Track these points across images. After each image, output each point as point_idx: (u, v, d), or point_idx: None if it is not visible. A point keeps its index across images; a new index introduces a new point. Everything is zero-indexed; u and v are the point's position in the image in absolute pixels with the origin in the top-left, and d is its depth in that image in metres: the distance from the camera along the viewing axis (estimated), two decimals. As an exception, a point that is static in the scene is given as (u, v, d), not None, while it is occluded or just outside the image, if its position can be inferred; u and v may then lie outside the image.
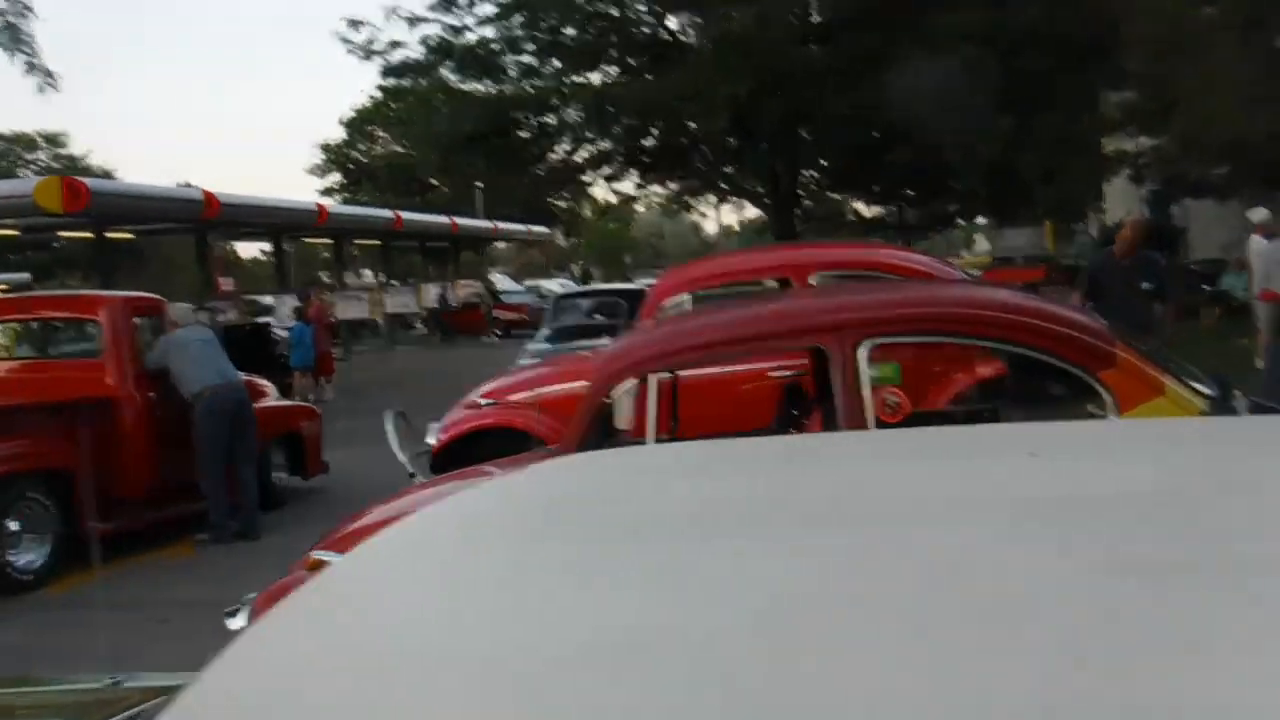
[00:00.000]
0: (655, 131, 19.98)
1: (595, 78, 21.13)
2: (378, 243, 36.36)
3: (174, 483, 8.83)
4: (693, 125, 18.94)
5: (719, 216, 53.26)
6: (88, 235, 25.10)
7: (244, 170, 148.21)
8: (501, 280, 44.15)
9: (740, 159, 21.63)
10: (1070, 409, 3.78)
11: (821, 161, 22.52)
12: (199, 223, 20.61)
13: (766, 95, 16.59)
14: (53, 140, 61.80)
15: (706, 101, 16.78)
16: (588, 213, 71.14)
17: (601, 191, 34.87)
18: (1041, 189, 19.63)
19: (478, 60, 21.70)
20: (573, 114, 19.11)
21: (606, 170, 24.45)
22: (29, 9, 16.91)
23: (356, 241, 37.45)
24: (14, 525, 7.57)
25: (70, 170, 58.81)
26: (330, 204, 25.76)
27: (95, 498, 8.19)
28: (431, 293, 35.49)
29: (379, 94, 47.11)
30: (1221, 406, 3.84)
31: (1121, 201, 28.63)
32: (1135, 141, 20.72)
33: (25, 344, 9.39)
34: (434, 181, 50.22)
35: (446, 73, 22.75)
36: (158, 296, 9.80)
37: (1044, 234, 36.97)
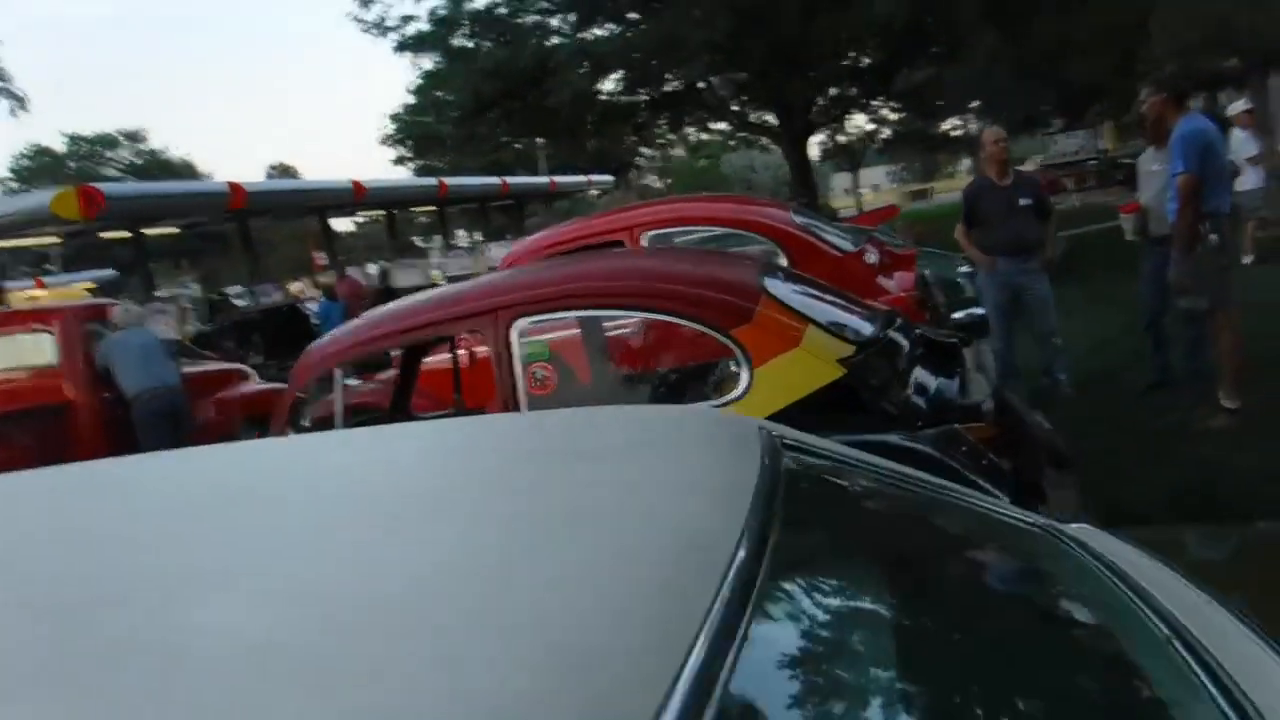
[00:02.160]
0: (646, 80, 19.96)
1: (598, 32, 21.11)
2: (433, 209, 37.42)
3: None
4: (669, 75, 18.89)
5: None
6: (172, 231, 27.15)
7: (331, 148, 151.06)
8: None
9: (749, 95, 21.45)
10: (710, 370, 3.91)
11: (831, 90, 22.18)
12: (228, 213, 21.35)
13: (746, 37, 16.40)
14: (133, 137, 64.20)
15: (682, 49, 16.71)
16: (679, 152, 70.77)
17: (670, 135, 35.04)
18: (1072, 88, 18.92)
19: (485, 22, 21.88)
20: (571, 72, 19.17)
21: (637, 120, 24.53)
22: None
23: (414, 210, 38.40)
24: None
25: (150, 164, 61.18)
26: (368, 179, 26.21)
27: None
28: (492, 252, 36.06)
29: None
30: (873, 348, 3.93)
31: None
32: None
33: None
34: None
35: (459, 40, 23.00)
36: (105, 302, 10.35)
37: (1102, 135, 35.71)
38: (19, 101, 17.23)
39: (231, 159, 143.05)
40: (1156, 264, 7.30)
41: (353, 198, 25.54)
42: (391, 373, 5.79)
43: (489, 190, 34.61)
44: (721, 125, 25.97)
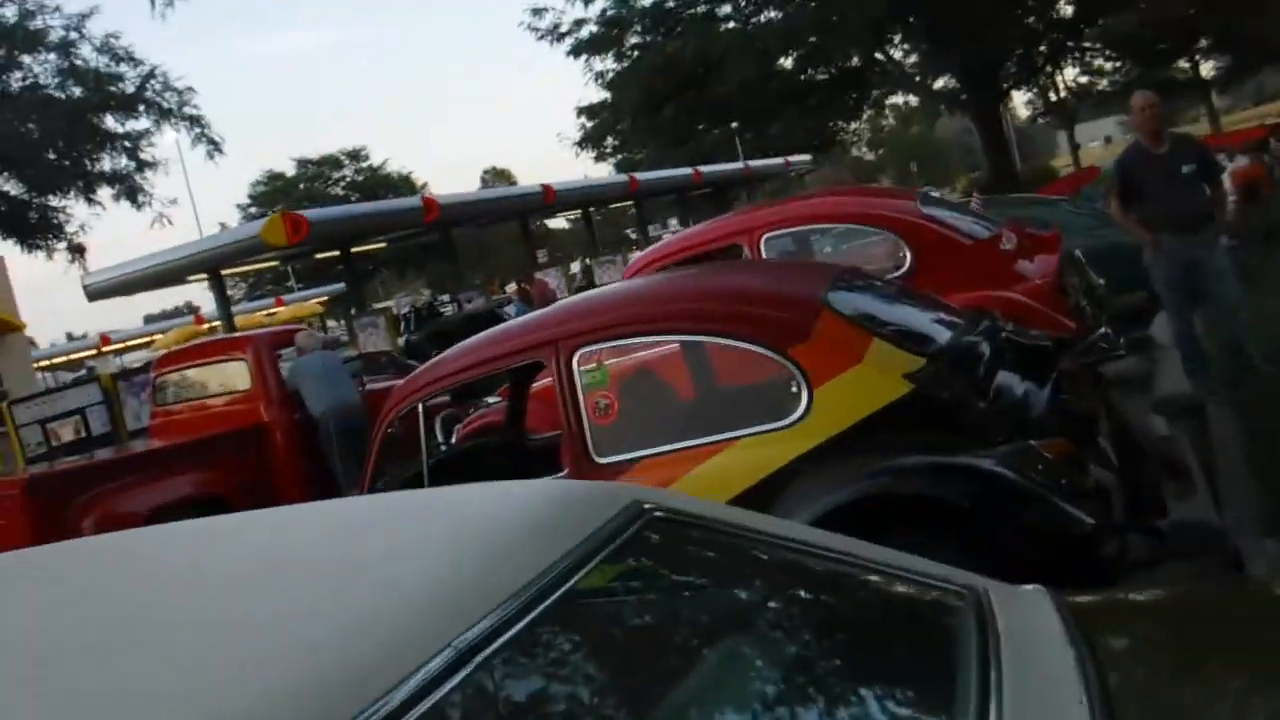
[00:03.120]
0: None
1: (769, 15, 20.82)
2: (629, 204, 38.05)
3: (325, 495, 9.98)
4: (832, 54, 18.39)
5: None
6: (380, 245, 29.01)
7: (544, 149, 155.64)
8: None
9: (930, 64, 20.65)
10: (769, 391, 3.76)
11: (1018, 51, 21.05)
12: (425, 226, 22.31)
13: (906, 5, 15.77)
14: (354, 156, 67.94)
15: (844, 27, 16.23)
16: (890, 121, 68.91)
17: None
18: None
19: (655, 17, 21.98)
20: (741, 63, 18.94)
21: (813, 100, 24.14)
22: (193, 90, 19.11)
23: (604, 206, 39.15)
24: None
25: (371, 180, 64.63)
26: (558, 181, 26.86)
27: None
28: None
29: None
30: (946, 359, 3.69)
31: None
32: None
33: (194, 388, 10.78)
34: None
35: (633, 38, 23.21)
36: (293, 327, 10.99)
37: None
38: (215, 146, 18.60)
39: (448, 169, 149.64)
40: None
41: (543, 201, 26.18)
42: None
43: (682, 181, 34.92)
44: (910, 98, 25.12)
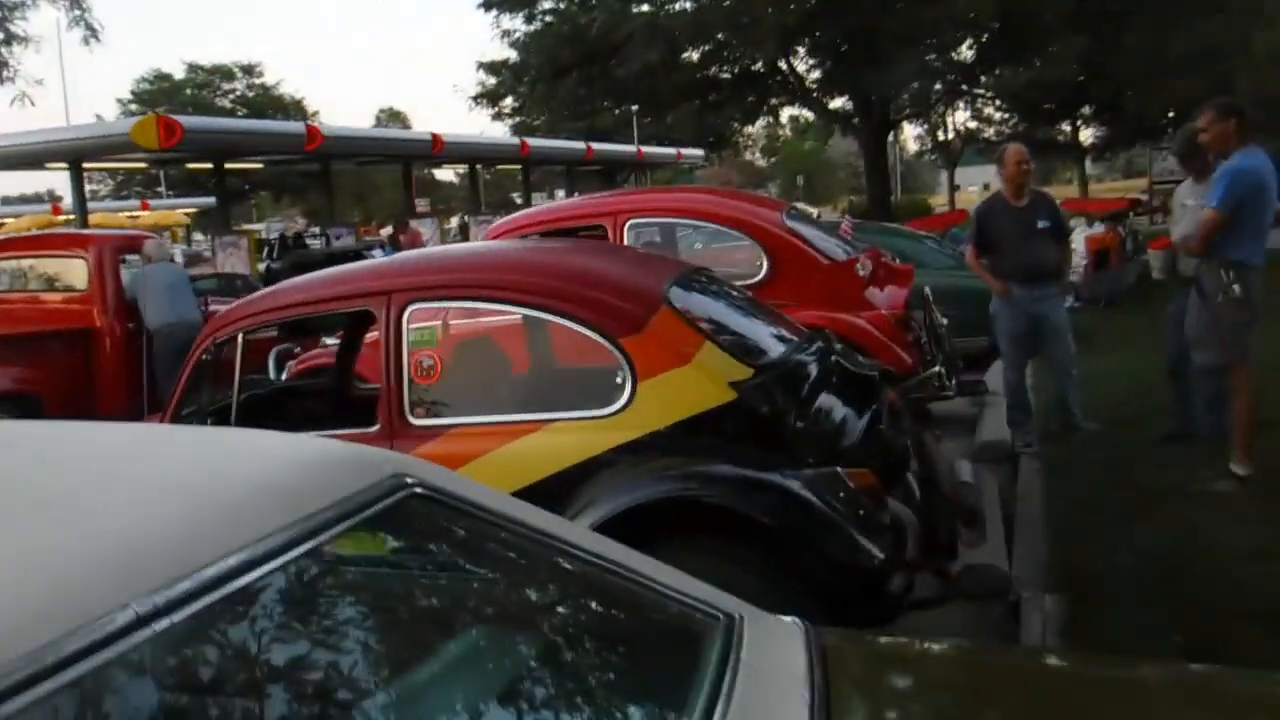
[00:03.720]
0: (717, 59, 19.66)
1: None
2: (518, 167, 37.71)
3: (146, 410, 9.57)
4: (738, 54, 18.55)
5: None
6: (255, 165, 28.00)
7: (445, 99, 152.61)
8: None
9: (829, 81, 20.99)
10: (595, 378, 3.73)
11: (913, 85, 21.58)
12: (305, 154, 21.63)
13: (822, 21, 15.97)
14: (249, 70, 65.37)
15: (754, 29, 16.35)
16: (786, 131, 69.43)
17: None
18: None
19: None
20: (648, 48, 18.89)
21: (713, 97, 24.25)
22: None
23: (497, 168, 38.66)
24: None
25: (262, 99, 62.37)
26: (447, 134, 26.35)
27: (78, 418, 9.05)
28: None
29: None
30: (774, 373, 3.71)
31: None
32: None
33: (27, 280, 10.20)
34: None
35: (545, 1, 22.89)
36: (141, 233, 10.51)
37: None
38: (93, 32, 17.52)
39: (344, 102, 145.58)
40: (1183, 306, 6.81)
41: (431, 150, 25.68)
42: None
43: (573, 154, 34.79)
44: (806, 111, 25.45)
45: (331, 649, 1.40)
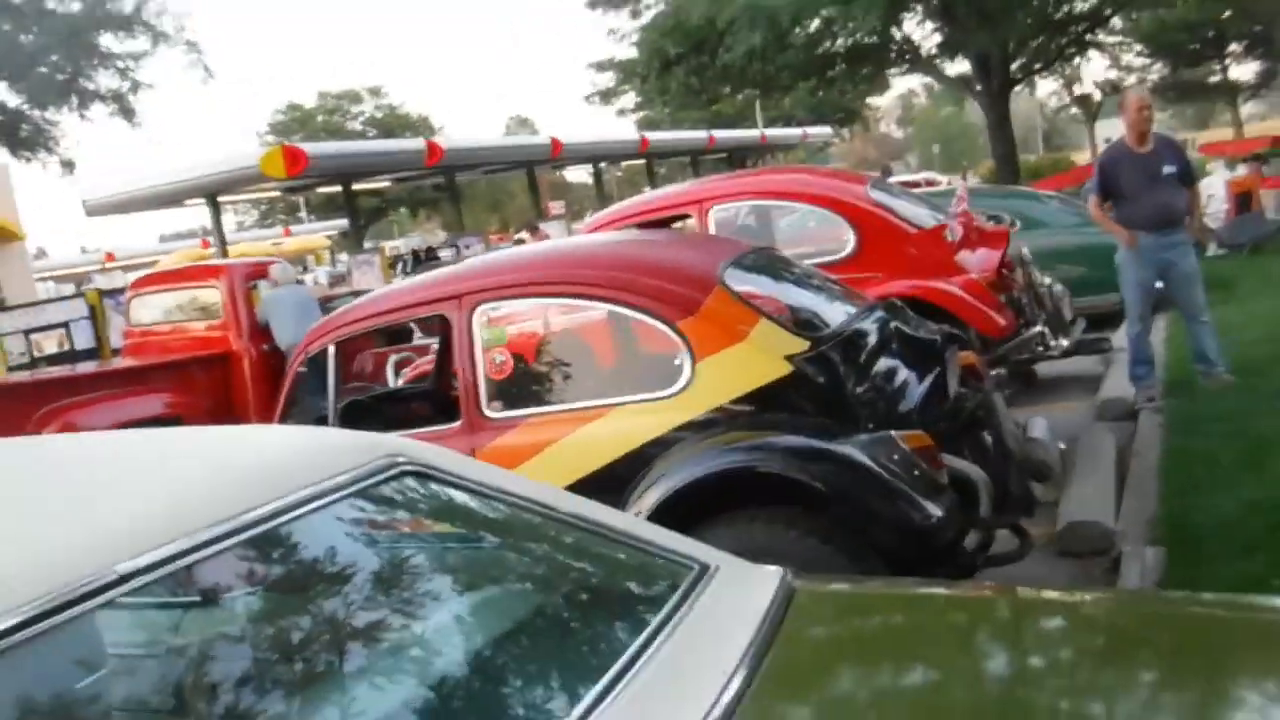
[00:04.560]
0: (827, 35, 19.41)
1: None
2: (640, 162, 38.04)
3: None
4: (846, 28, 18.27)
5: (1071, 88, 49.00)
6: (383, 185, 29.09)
7: (565, 101, 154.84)
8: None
9: (941, 47, 20.53)
10: (656, 361, 3.86)
11: (1033, 42, 20.86)
12: (426, 169, 22.31)
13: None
14: (375, 93, 67.63)
15: (855, 2, 16.11)
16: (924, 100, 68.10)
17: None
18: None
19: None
20: (750, 31, 18.78)
21: (829, 74, 23.99)
22: (189, 15, 19.19)
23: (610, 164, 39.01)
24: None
25: (389, 118, 64.50)
26: (566, 137, 26.77)
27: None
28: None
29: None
30: (828, 345, 3.78)
31: None
32: None
33: (170, 311, 10.91)
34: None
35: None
36: (268, 259, 11.11)
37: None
38: (208, 71, 18.59)
39: (472, 114, 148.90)
40: None
41: (550, 153, 26.12)
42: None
43: (695, 144, 34.91)
44: (926, 78, 24.92)
45: (313, 614, 1.57)
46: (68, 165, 16.38)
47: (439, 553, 1.81)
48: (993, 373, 6.09)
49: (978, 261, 6.30)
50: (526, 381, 4.06)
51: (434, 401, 4.83)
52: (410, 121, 64.90)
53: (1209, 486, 5.31)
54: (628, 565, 1.86)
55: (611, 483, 3.69)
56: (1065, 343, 6.96)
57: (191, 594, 1.41)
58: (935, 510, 3.37)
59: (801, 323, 3.95)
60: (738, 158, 43.33)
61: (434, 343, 7.13)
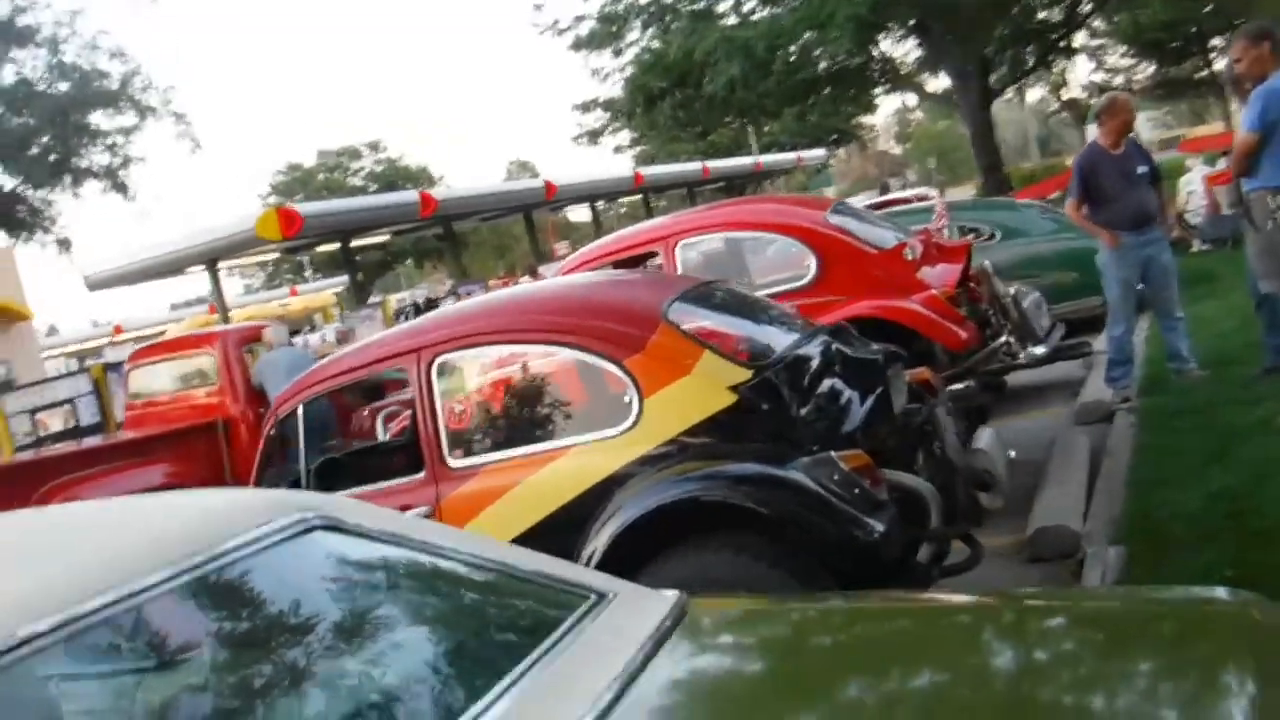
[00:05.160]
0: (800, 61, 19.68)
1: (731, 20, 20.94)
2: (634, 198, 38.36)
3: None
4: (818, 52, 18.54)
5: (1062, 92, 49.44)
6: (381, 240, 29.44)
7: (566, 140, 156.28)
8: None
9: (925, 63, 20.77)
10: (606, 400, 3.99)
11: (1005, 51, 21.10)
12: (422, 220, 22.59)
13: (892, 5, 15.89)
14: (374, 147, 68.36)
15: (829, 26, 16.38)
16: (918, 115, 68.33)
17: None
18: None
19: (652, 14, 22.19)
20: (729, 62, 19.07)
21: (812, 99, 24.28)
22: (173, 89, 19.50)
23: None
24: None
25: (389, 171, 65.15)
26: (561, 177, 27.08)
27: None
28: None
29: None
30: (771, 372, 3.90)
31: None
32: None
33: (167, 380, 11.09)
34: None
35: (633, 34, 23.40)
36: (259, 324, 11.30)
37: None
38: (196, 143, 18.93)
39: (472, 162, 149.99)
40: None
41: (544, 196, 26.40)
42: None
43: (689, 176, 35.13)
44: (909, 95, 25.16)
45: (209, 670, 1.71)
46: (64, 244, 16.76)
47: (339, 601, 1.93)
48: (962, 385, 6.23)
49: (938, 277, 6.43)
50: (485, 429, 4.19)
51: (407, 454, 4.97)
52: (410, 173, 65.47)
53: (1176, 481, 5.39)
54: (525, 599, 1.99)
55: (572, 522, 3.82)
56: (1040, 351, 7.06)
57: (85, 659, 1.54)
58: (877, 526, 3.48)
59: (745, 352, 4.07)
60: (736, 186, 43.63)
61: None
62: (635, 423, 3.87)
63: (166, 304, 56.64)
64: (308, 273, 57.68)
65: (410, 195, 22.94)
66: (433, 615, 1.96)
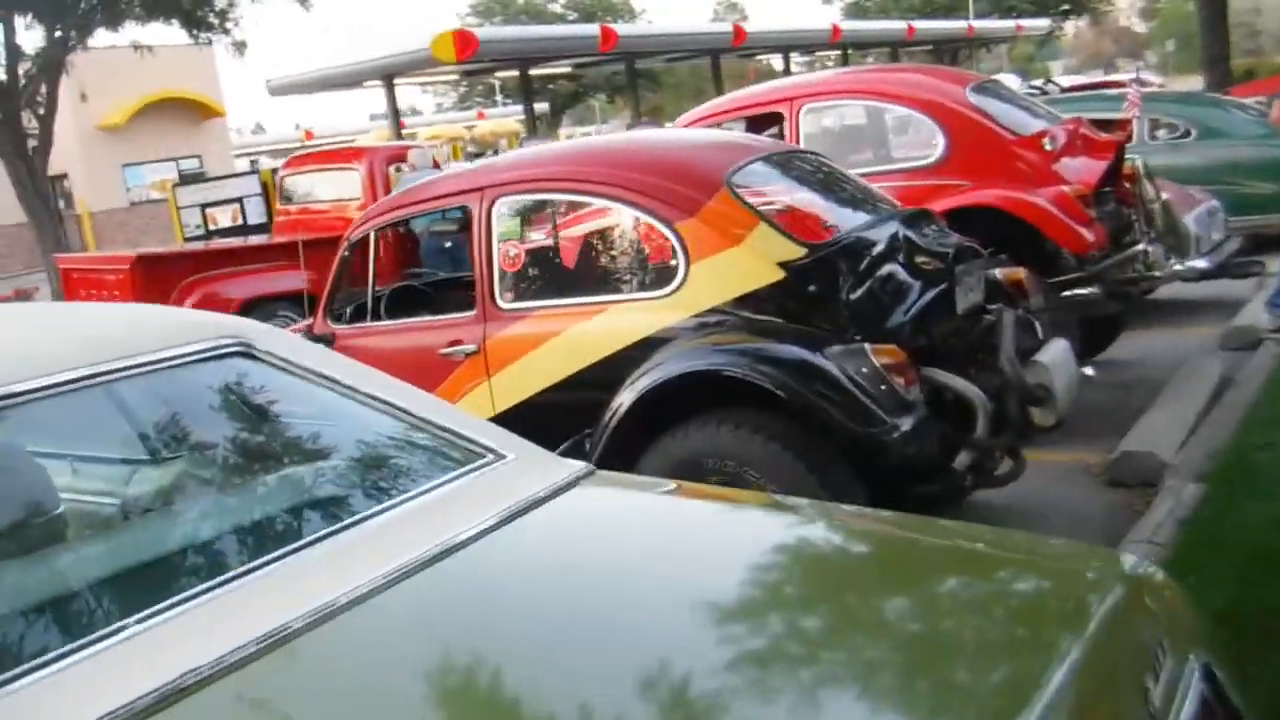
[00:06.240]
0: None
1: None
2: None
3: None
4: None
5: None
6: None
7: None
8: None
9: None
10: (653, 261, 3.87)
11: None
12: (601, 55, 22.37)
13: None
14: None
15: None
16: None
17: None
18: None
19: None
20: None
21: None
22: None
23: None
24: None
25: (593, 3, 64.38)
26: (750, 26, 26.29)
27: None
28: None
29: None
30: (827, 253, 3.71)
31: None
32: None
33: (313, 192, 11.41)
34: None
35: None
36: (411, 144, 11.48)
37: None
38: (239, 47, 18.33)
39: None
40: None
41: (732, 41, 25.71)
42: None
43: (893, 35, 33.63)
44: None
45: (114, 472, 1.77)
46: (239, 46, 17.18)
47: (241, 422, 1.97)
48: (1086, 291, 5.83)
49: (1077, 172, 5.94)
50: (536, 275, 4.15)
51: (466, 291, 5.01)
52: (612, 5, 64.64)
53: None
54: (419, 448, 1.98)
55: (604, 379, 3.78)
56: (1201, 264, 6.55)
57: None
58: (897, 424, 3.32)
59: (807, 229, 3.88)
60: (945, 50, 41.38)
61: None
62: (678, 288, 3.76)
63: (366, 115, 58.33)
64: (498, 97, 58.23)
65: (591, 28, 22.70)
66: (323, 447, 1.98)
